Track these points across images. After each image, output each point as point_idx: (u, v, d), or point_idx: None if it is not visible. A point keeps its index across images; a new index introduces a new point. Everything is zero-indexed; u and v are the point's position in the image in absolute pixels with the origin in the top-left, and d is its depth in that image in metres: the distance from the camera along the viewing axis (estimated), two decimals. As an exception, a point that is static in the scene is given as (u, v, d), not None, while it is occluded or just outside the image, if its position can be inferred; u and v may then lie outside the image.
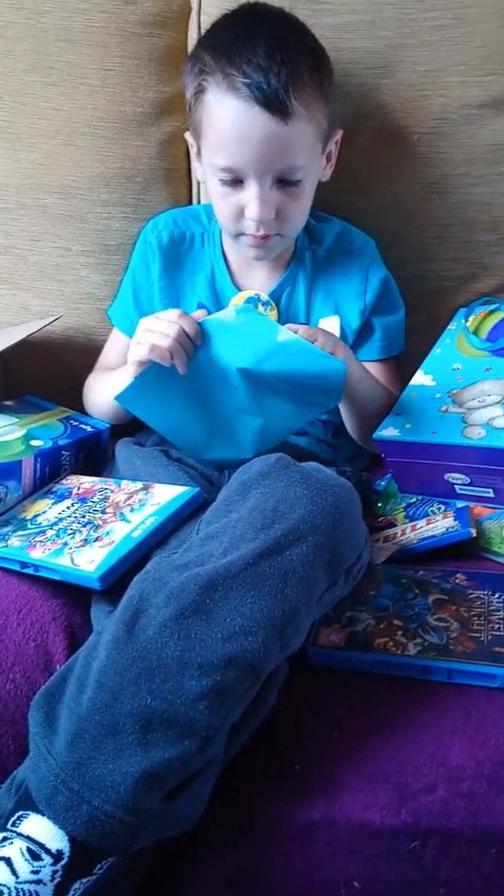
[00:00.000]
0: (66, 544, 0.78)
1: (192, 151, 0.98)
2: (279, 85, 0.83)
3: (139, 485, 0.85)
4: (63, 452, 0.94)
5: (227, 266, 1.01)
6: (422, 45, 1.00)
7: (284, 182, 0.88)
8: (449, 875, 0.62)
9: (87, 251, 1.09)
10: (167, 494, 0.81)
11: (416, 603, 0.78)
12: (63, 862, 0.56)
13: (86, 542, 0.77)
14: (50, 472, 0.93)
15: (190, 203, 1.11)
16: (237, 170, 0.87)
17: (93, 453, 0.99)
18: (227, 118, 0.85)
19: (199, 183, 1.09)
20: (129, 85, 1.04)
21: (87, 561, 0.74)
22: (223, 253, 1.01)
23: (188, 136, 0.97)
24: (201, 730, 0.59)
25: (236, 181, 0.88)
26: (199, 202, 1.11)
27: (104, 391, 1.00)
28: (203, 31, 1.02)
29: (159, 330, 0.84)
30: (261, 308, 0.98)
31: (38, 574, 0.78)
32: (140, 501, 0.82)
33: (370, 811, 0.63)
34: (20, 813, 0.58)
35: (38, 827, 0.57)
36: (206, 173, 0.92)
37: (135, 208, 1.08)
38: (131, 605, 0.65)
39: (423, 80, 1.01)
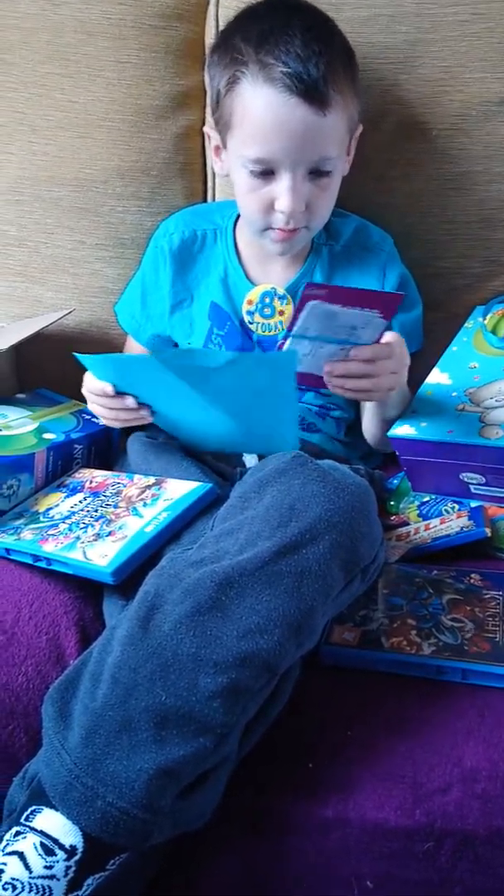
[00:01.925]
0: (78, 538, 0.78)
1: (210, 146, 0.97)
2: (318, 75, 0.82)
3: (152, 479, 0.85)
4: (75, 446, 0.94)
5: (241, 262, 1.00)
6: (442, 41, 0.99)
7: (316, 173, 0.87)
8: (463, 876, 0.62)
9: (101, 244, 1.09)
10: (180, 489, 0.81)
11: (430, 602, 0.78)
12: (76, 857, 0.56)
13: (98, 536, 0.77)
14: (62, 465, 0.93)
15: (205, 197, 1.10)
16: (271, 161, 0.86)
17: (105, 447, 0.99)
18: (263, 108, 0.84)
19: (214, 177, 1.09)
20: (146, 78, 1.04)
21: (100, 555, 0.74)
22: (236, 249, 1.00)
23: (208, 129, 0.96)
24: (216, 727, 0.58)
25: (267, 173, 0.87)
26: (213, 197, 1.10)
27: None
28: (221, 24, 1.01)
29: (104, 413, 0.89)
30: (277, 302, 0.98)
31: (50, 567, 0.78)
32: (153, 496, 0.81)
33: (384, 811, 0.63)
34: (33, 807, 0.58)
35: (52, 822, 0.57)
36: (233, 166, 0.91)
37: (149, 202, 1.07)
38: (146, 600, 0.64)
39: (443, 75, 1.00)
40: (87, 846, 0.56)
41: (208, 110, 1.01)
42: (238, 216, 1.00)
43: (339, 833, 0.63)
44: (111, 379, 0.86)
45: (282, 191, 0.87)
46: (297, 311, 0.80)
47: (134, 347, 1.08)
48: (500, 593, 0.79)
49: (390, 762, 0.65)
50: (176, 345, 1.04)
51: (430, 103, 1.02)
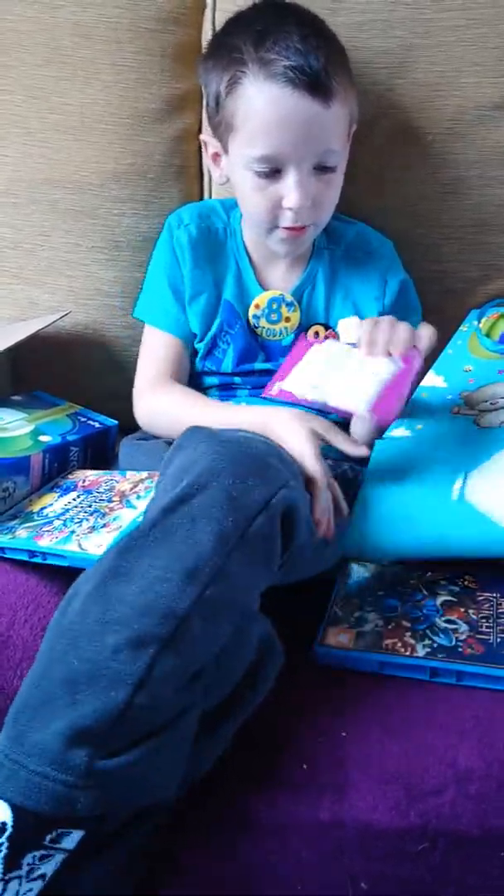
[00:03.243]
0: (73, 532, 0.78)
1: (208, 153, 0.97)
2: (320, 67, 0.83)
3: (144, 474, 0.85)
4: (71, 448, 0.94)
5: (251, 262, 1.00)
6: (437, 46, 1.00)
7: (321, 168, 0.88)
8: (457, 877, 0.62)
9: (97, 247, 1.09)
10: None
11: (424, 604, 0.78)
12: (7, 833, 0.55)
13: (93, 528, 0.77)
14: (58, 467, 0.93)
15: (201, 200, 1.11)
16: (277, 157, 0.86)
17: (101, 449, 0.99)
18: (267, 104, 0.85)
19: (210, 180, 1.09)
20: (142, 81, 1.04)
21: (96, 545, 0.74)
22: (246, 249, 1.00)
23: (206, 137, 0.97)
24: (126, 678, 0.57)
25: (273, 171, 0.87)
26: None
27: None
28: (217, 27, 1.01)
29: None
30: (284, 309, 0.98)
31: (46, 562, 0.77)
32: (146, 489, 0.82)
33: (378, 812, 0.63)
34: None
35: None
36: (236, 169, 0.91)
37: (146, 205, 1.07)
38: (67, 595, 0.65)
39: (438, 80, 1.01)
40: (17, 820, 0.55)
41: (204, 117, 1.02)
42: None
43: (333, 834, 0.63)
44: None
45: (289, 188, 0.87)
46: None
47: (163, 349, 1.01)
48: (494, 595, 0.79)
49: (385, 763, 0.65)
50: (195, 335, 1.01)
51: (425, 108, 1.02)
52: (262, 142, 0.86)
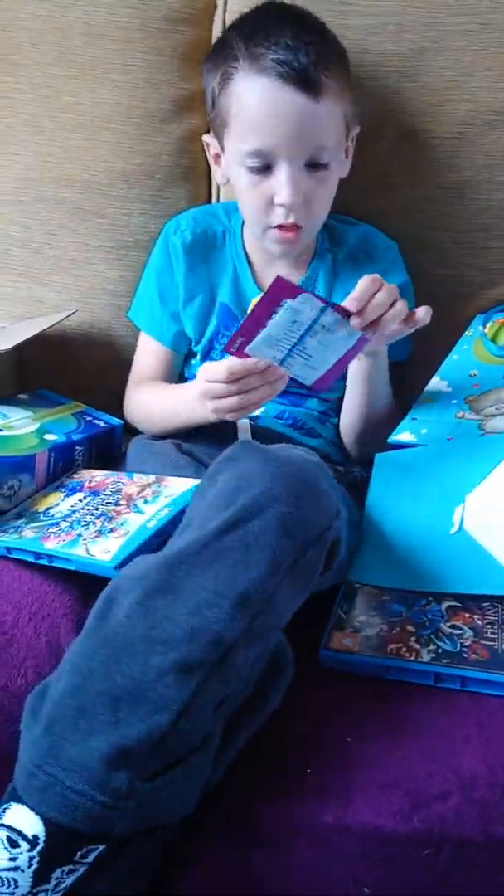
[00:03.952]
0: (80, 535, 0.77)
1: (210, 153, 0.98)
2: (309, 62, 0.83)
3: (151, 478, 0.85)
4: (76, 447, 0.94)
5: (250, 265, 1.00)
6: (448, 50, 1.00)
7: (313, 166, 0.88)
8: (461, 883, 0.62)
9: (104, 246, 1.09)
10: (181, 486, 0.81)
11: (429, 609, 0.78)
12: (39, 847, 0.55)
13: (100, 533, 0.77)
14: (63, 466, 0.93)
15: (209, 201, 1.11)
16: (268, 152, 0.86)
17: (106, 449, 0.99)
18: (257, 99, 0.85)
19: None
20: (152, 81, 1.04)
21: (103, 551, 0.74)
22: (245, 252, 1.00)
23: (207, 137, 0.97)
24: (170, 703, 0.57)
25: (265, 167, 0.87)
26: (217, 200, 1.10)
27: (164, 413, 0.99)
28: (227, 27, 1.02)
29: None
30: None
31: (52, 565, 0.77)
32: (153, 494, 0.81)
33: (382, 817, 0.63)
34: (5, 805, 0.57)
35: (18, 815, 0.56)
36: (232, 167, 0.91)
37: (153, 205, 1.07)
38: (105, 597, 0.64)
39: (449, 84, 1.01)
40: (50, 835, 0.55)
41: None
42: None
43: (337, 839, 0.63)
44: None
45: (281, 183, 0.87)
46: (267, 309, 0.79)
47: (148, 351, 1.06)
48: (500, 601, 0.79)
49: (389, 768, 0.65)
50: (190, 339, 1.03)
51: (434, 112, 1.02)
52: (252, 136, 0.86)
